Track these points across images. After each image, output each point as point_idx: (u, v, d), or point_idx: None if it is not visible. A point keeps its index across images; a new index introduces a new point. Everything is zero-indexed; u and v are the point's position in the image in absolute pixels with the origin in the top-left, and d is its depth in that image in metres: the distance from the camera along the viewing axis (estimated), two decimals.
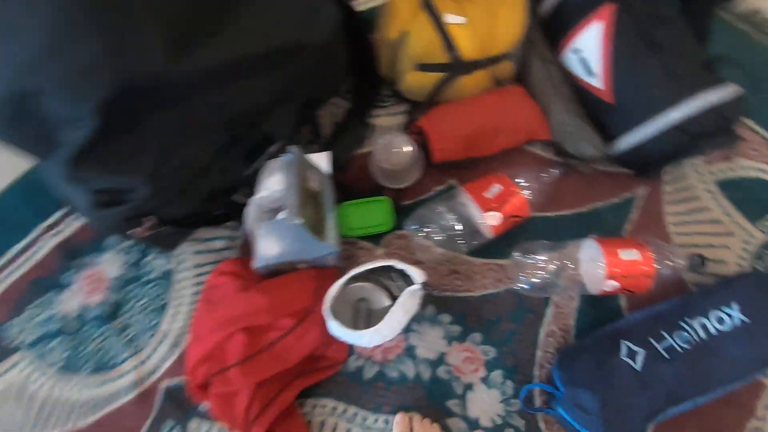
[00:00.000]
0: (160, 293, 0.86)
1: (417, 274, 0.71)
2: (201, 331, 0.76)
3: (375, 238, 0.87)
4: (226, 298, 0.76)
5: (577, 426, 0.68)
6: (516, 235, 0.84)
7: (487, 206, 0.79)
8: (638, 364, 0.69)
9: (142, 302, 0.86)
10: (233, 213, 0.81)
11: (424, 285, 0.71)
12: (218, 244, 0.87)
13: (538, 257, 0.77)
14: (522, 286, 0.78)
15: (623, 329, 0.73)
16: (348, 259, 0.86)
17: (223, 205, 0.79)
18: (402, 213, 0.87)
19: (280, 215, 0.65)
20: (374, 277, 0.75)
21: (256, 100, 0.68)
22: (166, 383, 0.82)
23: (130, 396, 0.81)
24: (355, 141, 0.92)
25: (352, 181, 0.91)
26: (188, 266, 0.87)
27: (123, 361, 0.83)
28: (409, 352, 0.80)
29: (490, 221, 0.78)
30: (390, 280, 0.76)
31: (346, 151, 0.91)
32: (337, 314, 0.70)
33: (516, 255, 0.79)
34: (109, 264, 0.88)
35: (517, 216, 0.80)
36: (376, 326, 0.68)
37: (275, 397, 0.75)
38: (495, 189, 0.81)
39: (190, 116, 0.62)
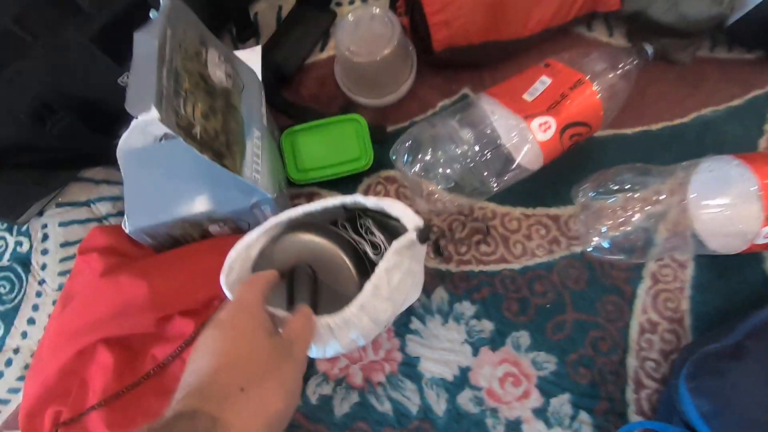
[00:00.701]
0: (10, 289, 0.54)
1: (408, 216, 0.38)
2: (43, 350, 0.44)
3: (345, 184, 0.54)
4: (84, 289, 0.44)
5: None
6: (576, 166, 0.50)
7: (527, 111, 0.46)
8: None
9: None
10: (103, 152, 0.48)
11: (425, 232, 0.37)
12: (100, 208, 0.55)
13: (621, 195, 0.44)
14: (596, 246, 0.45)
15: None
16: None
17: (81, 142, 0.46)
18: (386, 144, 0.54)
19: (140, 117, 0.32)
20: (334, 232, 0.41)
21: None
22: None
23: None
24: (310, 38, 0.59)
25: (308, 100, 0.58)
26: (52, 245, 0.55)
27: None
28: (410, 368, 0.47)
29: (537, 135, 0.45)
30: (364, 236, 0.42)
31: (297, 53, 0.58)
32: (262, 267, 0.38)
33: (584, 195, 0.46)
34: None
35: (582, 125, 0.47)
36: (342, 313, 0.35)
37: None
38: (542, 84, 0.48)
39: None
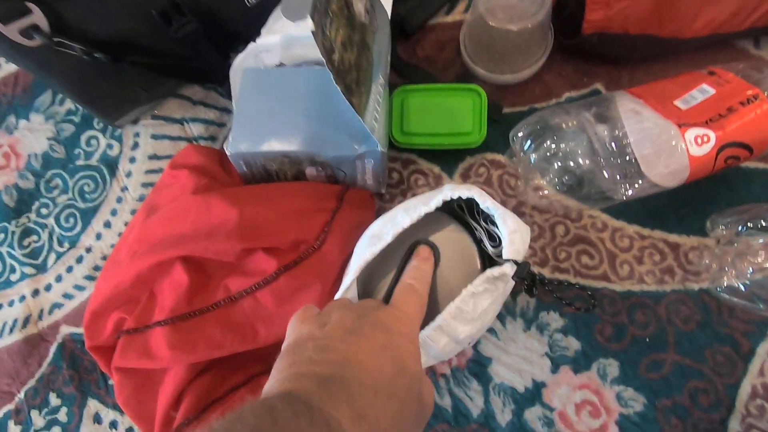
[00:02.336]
0: (94, 189, 0.54)
1: (515, 243, 0.34)
2: (120, 254, 0.43)
3: (446, 157, 0.50)
4: (172, 203, 0.42)
5: None
6: (712, 194, 0.44)
7: (681, 120, 0.40)
8: None
9: (64, 197, 0.55)
10: (213, 69, 0.46)
11: (522, 270, 0.33)
12: (192, 128, 0.54)
13: None
14: (729, 286, 0.39)
15: None
16: (394, 189, 0.50)
17: (198, 53, 0.45)
18: (498, 125, 0.50)
19: (294, 24, 0.29)
20: (460, 216, 0.38)
21: None
22: (65, 331, 0.50)
23: (13, 338, 0.51)
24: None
25: (423, 61, 0.54)
26: (141, 155, 0.54)
27: (16, 282, 0.53)
28: (479, 366, 0.44)
29: (691, 148, 0.39)
30: (480, 223, 0.38)
31: (423, 9, 0.54)
32: (371, 283, 0.36)
33: (726, 228, 0.40)
34: (31, 134, 0.58)
35: (743, 147, 0.40)
36: (441, 319, 0.32)
37: (225, 396, 0.41)
38: (701, 93, 0.42)
39: None
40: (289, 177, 0.44)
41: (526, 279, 0.33)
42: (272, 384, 0.21)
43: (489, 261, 0.37)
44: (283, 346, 0.25)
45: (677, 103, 0.42)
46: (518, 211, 0.48)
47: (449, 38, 0.55)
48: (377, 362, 0.22)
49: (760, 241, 0.37)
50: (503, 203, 0.45)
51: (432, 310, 0.35)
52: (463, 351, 0.44)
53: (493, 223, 0.36)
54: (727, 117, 0.39)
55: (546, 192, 0.45)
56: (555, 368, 0.43)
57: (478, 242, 0.37)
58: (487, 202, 0.36)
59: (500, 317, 0.45)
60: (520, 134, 0.43)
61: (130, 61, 0.42)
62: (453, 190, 0.36)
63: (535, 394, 0.42)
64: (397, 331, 0.24)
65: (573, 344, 0.43)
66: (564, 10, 0.49)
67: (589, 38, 0.47)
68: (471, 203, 0.37)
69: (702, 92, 0.42)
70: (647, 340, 0.43)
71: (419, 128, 0.48)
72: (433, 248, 0.35)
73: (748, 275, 0.38)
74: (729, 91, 0.41)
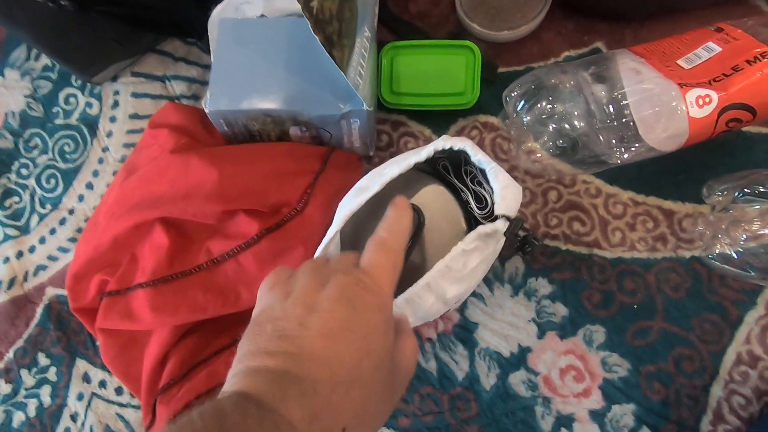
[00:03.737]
0: (74, 149, 0.53)
1: (507, 200, 0.33)
2: (99, 216, 0.42)
3: (436, 119, 0.48)
4: (151, 163, 0.41)
5: None
6: (709, 160, 0.43)
7: (683, 79, 0.38)
8: None
9: (44, 157, 0.53)
10: (191, 21, 0.44)
11: (515, 227, 0.32)
12: (174, 86, 0.52)
13: None
14: (721, 254, 0.38)
15: None
16: (383, 151, 0.48)
17: (172, 3, 0.42)
18: (492, 85, 0.48)
19: None
20: (444, 177, 0.37)
21: None
22: (50, 293, 0.50)
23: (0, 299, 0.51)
24: None
25: (415, 17, 0.51)
26: (121, 114, 0.52)
27: (0, 243, 0.52)
28: (465, 332, 0.44)
29: (691, 109, 0.37)
30: (467, 184, 0.37)
31: None
32: (359, 242, 0.35)
33: (723, 194, 0.39)
34: (7, 91, 0.55)
35: (747, 109, 0.38)
36: (404, 293, 0.31)
37: (209, 358, 0.41)
38: (707, 51, 0.39)
39: None
40: (272, 138, 0.42)
41: (518, 236, 0.32)
42: (228, 380, 0.20)
43: (475, 223, 0.36)
44: (252, 317, 0.24)
45: (680, 62, 0.40)
46: (511, 175, 0.46)
47: None
48: (335, 350, 0.21)
49: (756, 207, 0.36)
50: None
51: (417, 271, 0.34)
52: (449, 316, 0.44)
53: (480, 184, 0.35)
54: (732, 77, 0.37)
55: (539, 155, 0.43)
56: (541, 334, 0.42)
57: (465, 204, 0.36)
58: (479, 155, 0.34)
59: (488, 283, 0.44)
60: (514, 94, 0.41)
61: (98, 10, 0.39)
62: (445, 141, 0.34)
63: (520, 359, 0.42)
64: (362, 304, 0.22)
65: (560, 311, 0.43)
66: None
67: None
68: (459, 163, 0.36)
69: (707, 50, 0.40)
70: (635, 307, 0.42)
71: (409, 88, 0.46)
72: (418, 211, 0.34)
73: (742, 242, 0.37)
74: (736, 49, 0.39)
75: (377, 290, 0.23)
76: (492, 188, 0.33)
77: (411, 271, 0.35)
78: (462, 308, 0.44)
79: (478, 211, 0.35)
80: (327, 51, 0.31)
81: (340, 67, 0.33)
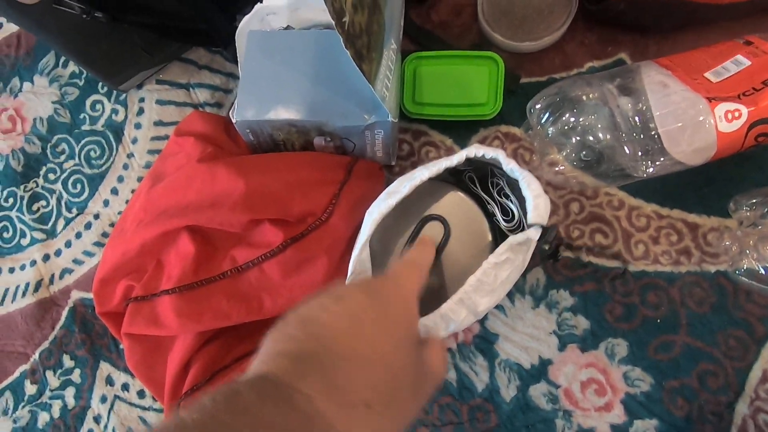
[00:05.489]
0: (100, 155, 0.54)
1: (539, 207, 0.32)
2: (126, 223, 0.43)
3: (458, 129, 0.48)
4: (178, 171, 0.42)
5: None
6: (735, 174, 0.42)
7: (711, 93, 0.38)
8: None
9: (71, 163, 0.54)
10: (218, 31, 0.45)
11: (549, 234, 0.32)
12: (198, 94, 0.53)
13: None
14: (749, 269, 0.38)
15: None
16: (404, 161, 0.49)
17: (199, 13, 0.42)
18: (514, 96, 0.47)
19: None
20: (470, 188, 0.37)
21: None
22: (75, 296, 0.51)
23: (26, 301, 0.52)
24: None
25: (437, 27, 0.51)
26: (146, 121, 0.53)
27: (27, 246, 0.53)
28: (486, 343, 0.44)
29: (720, 123, 0.37)
30: (494, 197, 0.37)
31: None
32: (379, 255, 0.35)
33: (750, 209, 0.38)
34: (36, 97, 0.57)
35: None
36: (438, 310, 0.31)
37: (231, 365, 0.42)
38: (736, 64, 0.39)
39: None
40: (296, 147, 0.43)
41: (550, 243, 0.32)
42: (252, 366, 0.21)
43: (500, 236, 0.36)
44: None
45: (708, 75, 0.40)
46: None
47: (466, 2, 0.51)
48: (357, 327, 0.21)
49: None
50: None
51: (442, 285, 0.34)
52: (470, 327, 0.44)
53: (507, 197, 0.35)
54: (762, 91, 0.37)
55: (562, 167, 0.43)
56: (562, 346, 0.42)
57: (490, 216, 0.36)
58: (511, 164, 0.34)
59: (509, 295, 0.44)
60: (538, 106, 0.41)
61: (129, 21, 0.40)
62: (478, 149, 0.34)
63: (540, 371, 0.42)
64: (386, 294, 0.23)
65: (582, 323, 0.43)
66: None
67: (616, 4, 0.44)
68: (485, 175, 0.36)
69: (736, 64, 0.39)
70: (658, 321, 0.42)
71: (432, 98, 0.46)
72: (444, 223, 0.34)
73: (757, 262, 0.36)
74: (766, 63, 0.38)
75: (401, 284, 0.24)
76: (520, 200, 0.33)
77: (436, 281, 0.35)
78: (483, 319, 0.44)
79: (504, 223, 0.35)
80: (357, 65, 0.31)
81: (369, 80, 0.33)
